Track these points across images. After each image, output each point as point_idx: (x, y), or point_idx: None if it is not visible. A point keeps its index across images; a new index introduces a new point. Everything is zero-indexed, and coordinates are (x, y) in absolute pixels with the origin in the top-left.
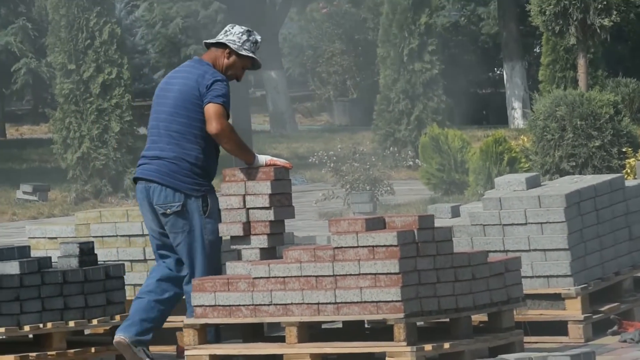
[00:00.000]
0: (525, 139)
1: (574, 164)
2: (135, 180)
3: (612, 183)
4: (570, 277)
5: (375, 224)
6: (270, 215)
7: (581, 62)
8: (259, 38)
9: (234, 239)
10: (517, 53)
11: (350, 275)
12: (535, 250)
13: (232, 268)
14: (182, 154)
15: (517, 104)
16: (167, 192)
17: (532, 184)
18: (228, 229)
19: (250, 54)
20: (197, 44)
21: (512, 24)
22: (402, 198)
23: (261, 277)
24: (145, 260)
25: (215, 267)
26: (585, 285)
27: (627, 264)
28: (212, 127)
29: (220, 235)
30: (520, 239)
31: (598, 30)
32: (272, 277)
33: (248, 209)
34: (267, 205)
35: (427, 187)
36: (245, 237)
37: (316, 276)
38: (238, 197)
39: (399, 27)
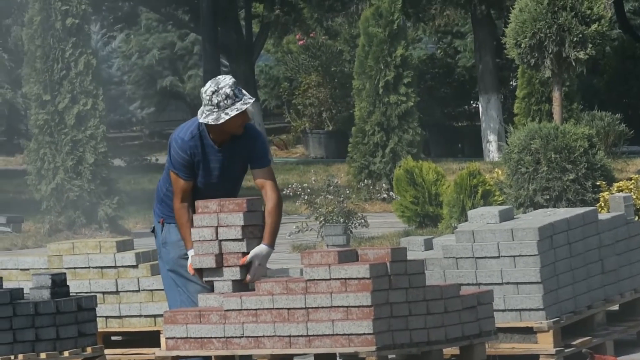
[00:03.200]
0: (500, 172)
1: (548, 197)
2: None
3: (585, 216)
4: (542, 311)
5: (348, 256)
6: (242, 247)
7: (556, 95)
8: (224, 90)
9: (207, 271)
10: (492, 86)
11: (322, 307)
12: (507, 283)
13: (205, 300)
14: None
15: (492, 137)
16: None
17: (505, 217)
18: (201, 261)
19: (222, 120)
20: (173, 75)
21: (488, 56)
22: (376, 231)
23: (233, 310)
24: (117, 292)
25: (184, 302)
26: (558, 318)
27: (599, 297)
28: None
29: (187, 269)
30: (493, 272)
31: (573, 63)
32: (244, 310)
33: (220, 240)
34: (240, 237)
35: (401, 220)
36: (217, 269)
37: (288, 308)
38: (210, 228)
39: (375, 59)
